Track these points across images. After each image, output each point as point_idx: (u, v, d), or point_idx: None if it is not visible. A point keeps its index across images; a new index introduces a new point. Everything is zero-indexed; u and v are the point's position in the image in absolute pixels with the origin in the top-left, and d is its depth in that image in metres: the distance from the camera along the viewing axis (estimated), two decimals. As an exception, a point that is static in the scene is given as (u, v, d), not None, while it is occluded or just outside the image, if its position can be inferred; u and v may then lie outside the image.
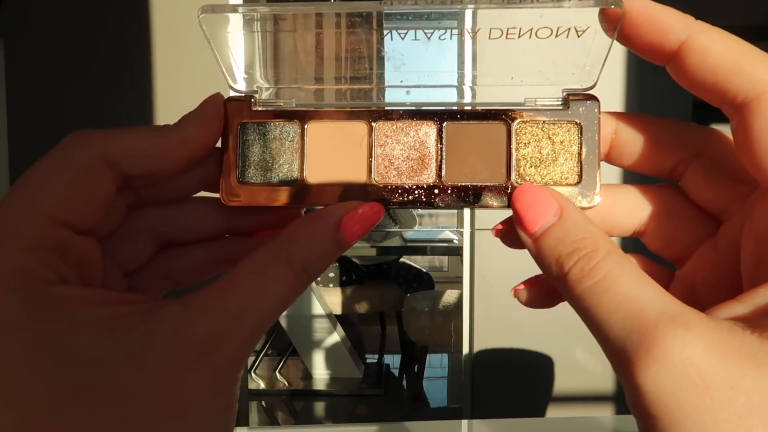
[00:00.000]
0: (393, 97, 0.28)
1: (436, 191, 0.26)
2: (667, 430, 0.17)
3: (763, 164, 0.21)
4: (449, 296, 2.28)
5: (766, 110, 0.20)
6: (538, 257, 0.22)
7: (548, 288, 0.26)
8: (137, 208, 0.25)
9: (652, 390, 0.17)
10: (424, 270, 2.78)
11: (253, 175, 0.26)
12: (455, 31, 0.25)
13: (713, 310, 0.19)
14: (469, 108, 0.26)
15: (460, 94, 0.28)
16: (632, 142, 0.25)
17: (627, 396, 0.19)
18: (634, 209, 0.25)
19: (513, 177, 0.25)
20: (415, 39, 0.25)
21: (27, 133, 1.48)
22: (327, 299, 2.46)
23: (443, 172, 0.26)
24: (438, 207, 0.26)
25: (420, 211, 3.59)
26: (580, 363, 1.51)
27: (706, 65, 0.21)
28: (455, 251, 2.62)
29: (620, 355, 0.18)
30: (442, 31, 0.25)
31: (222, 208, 0.26)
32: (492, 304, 1.49)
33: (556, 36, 0.24)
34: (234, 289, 0.21)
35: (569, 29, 0.24)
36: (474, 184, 0.26)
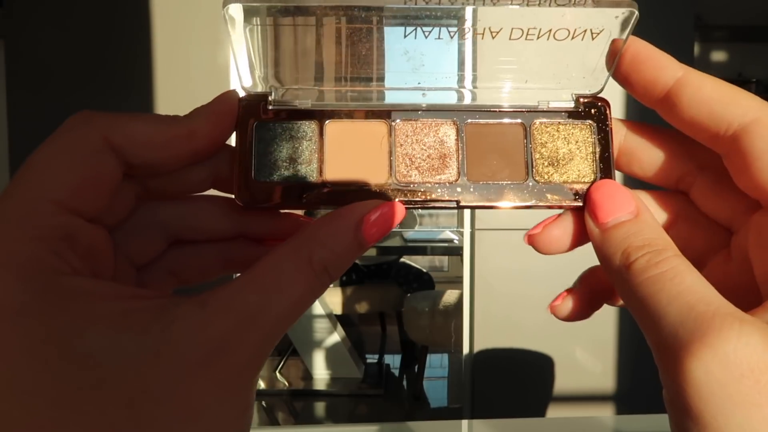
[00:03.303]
0: (409, 98, 0.27)
1: (458, 189, 0.26)
2: (710, 423, 0.17)
3: (765, 183, 0.21)
4: (449, 296, 2.28)
5: (761, 133, 0.21)
6: (603, 247, 0.23)
7: (588, 297, 0.26)
8: (147, 199, 0.25)
9: (700, 378, 0.17)
10: (424, 270, 2.78)
11: (269, 175, 0.25)
12: (475, 29, 0.25)
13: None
14: (486, 109, 0.26)
15: (475, 96, 0.28)
16: (640, 149, 0.26)
17: (667, 390, 0.19)
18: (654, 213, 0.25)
19: (533, 176, 0.26)
20: (439, 38, 0.25)
21: (27, 134, 1.48)
22: (327, 299, 2.46)
23: (464, 171, 0.26)
24: (459, 207, 0.25)
25: (420, 210, 3.58)
26: (580, 363, 1.51)
27: (701, 97, 0.23)
28: (455, 251, 2.62)
29: (671, 342, 0.19)
30: (465, 30, 0.25)
31: (234, 210, 0.25)
32: (492, 304, 1.49)
33: (572, 38, 0.25)
34: (252, 287, 0.20)
35: (585, 31, 0.24)
36: (496, 182, 0.26)
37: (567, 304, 0.26)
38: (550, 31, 0.24)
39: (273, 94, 0.26)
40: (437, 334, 2.20)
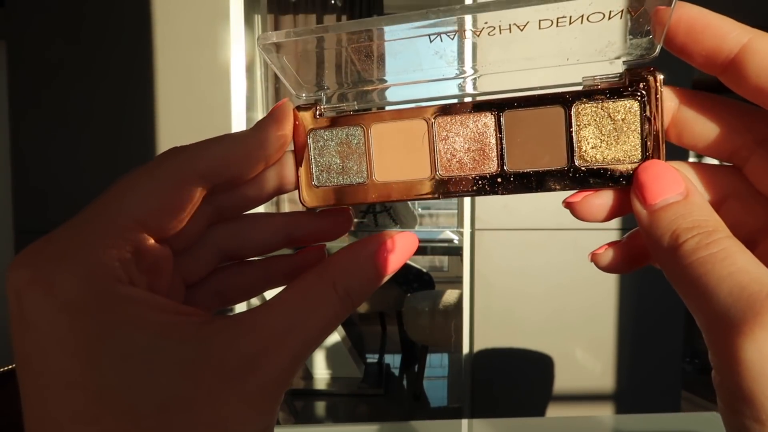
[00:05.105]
0: (447, 91, 0.28)
1: (499, 180, 0.26)
2: (763, 404, 0.17)
3: None
4: (449, 296, 2.28)
5: None
6: (651, 228, 0.22)
7: (630, 253, 0.26)
8: (220, 222, 0.26)
9: (753, 358, 0.17)
10: (425, 270, 2.78)
11: (327, 179, 0.28)
12: (500, 26, 0.24)
13: None
14: (525, 95, 0.26)
15: (514, 82, 0.27)
16: (694, 120, 0.24)
17: (717, 371, 0.19)
18: (703, 189, 0.24)
19: (575, 160, 0.25)
20: (464, 38, 0.25)
21: (29, 134, 1.48)
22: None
23: (505, 161, 0.26)
24: (502, 194, 0.26)
25: (420, 210, 3.58)
26: (580, 363, 1.51)
27: None
28: (455, 251, 2.62)
29: (722, 323, 0.18)
30: (491, 28, 0.24)
31: (280, 220, 0.28)
32: (492, 304, 1.49)
33: (609, 18, 0.23)
34: (282, 310, 0.22)
35: (622, 11, 0.23)
36: (536, 169, 0.26)
37: (608, 254, 0.25)
38: (583, 16, 0.23)
39: (323, 101, 0.28)
40: (437, 333, 2.21)
